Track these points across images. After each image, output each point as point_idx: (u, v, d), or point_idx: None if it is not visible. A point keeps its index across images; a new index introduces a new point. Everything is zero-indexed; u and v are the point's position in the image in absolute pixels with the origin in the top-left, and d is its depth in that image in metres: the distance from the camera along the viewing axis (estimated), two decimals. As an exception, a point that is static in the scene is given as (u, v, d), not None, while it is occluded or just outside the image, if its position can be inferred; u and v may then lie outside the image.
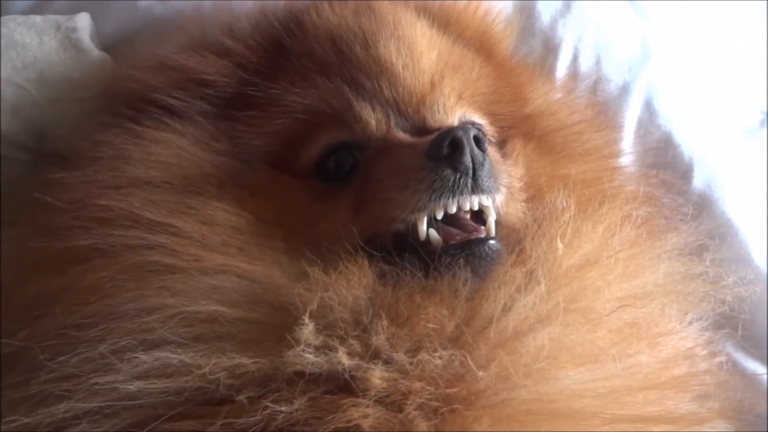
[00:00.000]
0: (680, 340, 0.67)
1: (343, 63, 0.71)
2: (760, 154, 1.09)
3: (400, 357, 0.54)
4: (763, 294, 0.92)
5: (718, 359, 0.74)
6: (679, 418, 0.61)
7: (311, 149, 0.69)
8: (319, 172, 0.68)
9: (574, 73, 0.96)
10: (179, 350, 0.54)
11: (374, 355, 0.55)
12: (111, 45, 0.83)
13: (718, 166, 0.96)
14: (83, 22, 0.80)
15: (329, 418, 0.52)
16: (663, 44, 1.04)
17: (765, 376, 0.89)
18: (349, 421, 0.52)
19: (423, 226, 0.61)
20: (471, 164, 0.61)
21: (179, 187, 0.65)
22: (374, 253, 0.60)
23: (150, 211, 0.61)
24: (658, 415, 0.58)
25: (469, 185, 0.61)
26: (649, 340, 0.64)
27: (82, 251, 0.60)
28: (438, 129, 0.67)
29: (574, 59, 0.97)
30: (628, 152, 0.95)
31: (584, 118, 0.89)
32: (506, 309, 0.56)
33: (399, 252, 0.60)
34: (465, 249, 0.60)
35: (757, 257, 0.92)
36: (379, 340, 0.56)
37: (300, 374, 0.54)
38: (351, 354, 0.55)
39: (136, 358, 0.54)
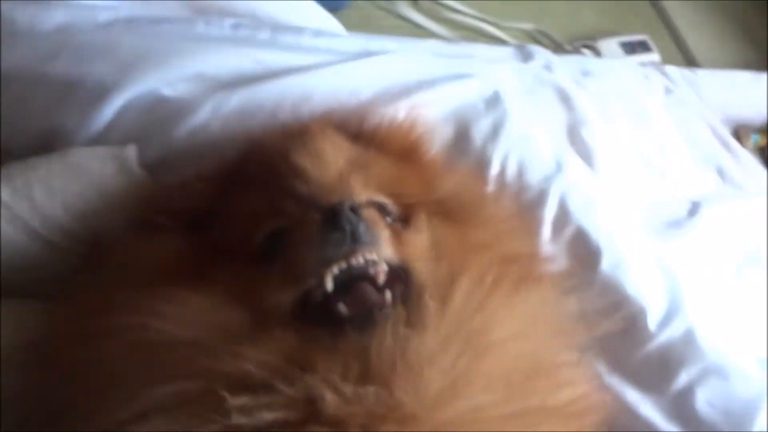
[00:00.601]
0: (568, 372, 0.82)
1: (272, 174, 0.90)
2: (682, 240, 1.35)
3: (341, 390, 0.67)
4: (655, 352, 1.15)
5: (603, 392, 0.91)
6: None
7: (256, 239, 0.87)
8: (262, 256, 0.86)
9: (501, 182, 1.22)
10: (164, 417, 0.67)
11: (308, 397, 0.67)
12: (151, 169, 1.08)
13: (623, 252, 1.18)
14: (132, 152, 1.05)
15: None
16: (574, 158, 1.32)
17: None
18: None
19: (329, 281, 0.77)
20: (347, 225, 0.78)
21: (163, 280, 0.83)
22: (303, 315, 0.78)
23: (141, 300, 0.78)
24: None
25: (349, 240, 0.78)
26: (545, 376, 0.77)
27: (96, 330, 0.78)
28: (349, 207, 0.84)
29: (501, 171, 1.22)
30: (546, 244, 1.17)
31: (483, 196, 1.11)
32: (406, 349, 0.71)
33: (322, 314, 0.78)
34: (363, 314, 0.76)
35: (651, 324, 1.11)
36: (301, 388, 0.68)
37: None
38: (274, 407, 0.66)
39: (137, 428, 0.67)
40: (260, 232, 0.88)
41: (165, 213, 0.95)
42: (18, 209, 0.97)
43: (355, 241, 0.79)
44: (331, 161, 0.92)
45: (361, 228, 0.80)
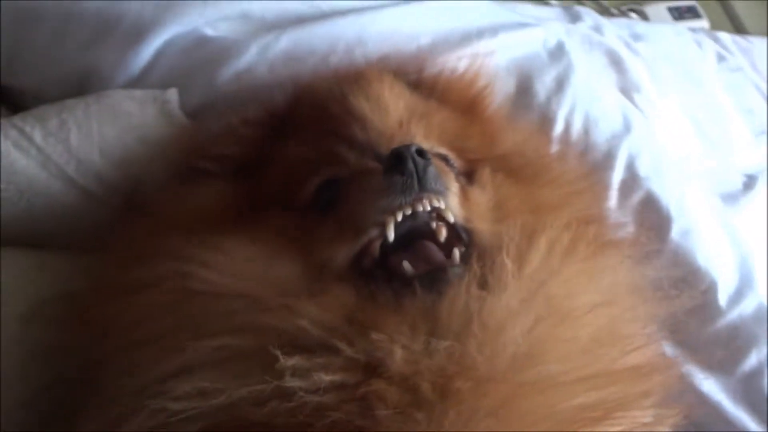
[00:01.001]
0: (645, 348, 0.75)
1: (327, 119, 0.85)
2: (740, 214, 1.24)
3: (410, 346, 0.63)
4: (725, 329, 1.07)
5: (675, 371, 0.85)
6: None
7: (307, 189, 0.82)
8: (314, 206, 0.81)
9: (566, 140, 1.12)
10: (210, 375, 0.63)
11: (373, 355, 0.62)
12: (194, 114, 1.01)
13: (693, 221, 1.10)
14: (174, 95, 0.98)
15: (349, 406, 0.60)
16: (647, 115, 1.21)
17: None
18: (371, 401, 0.60)
19: (391, 230, 0.71)
20: (414, 169, 0.71)
21: (209, 229, 0.77)
22: (360, 271, 0.72)
23: (186, 247, 0.73)
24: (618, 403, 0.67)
25: (416, 186, 0.71)
26: (618, 344, 0.73)
27: (138, 280, 0.73)
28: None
29: (566, 129, 1.13)
30: (614, 208, 1.09)
31: (549, 155, 1.03)
32: (481, 309, 0.66)
33: (382, 265, 0.72)
34: (430, 275, 0.70)
35: (722, 300, 1.04)
36: (363, 348, 0.63)
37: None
38: (332, 369, 0.61)
39: (180, 383, 0.62)
40: (312, 181, 0.82)
41: (210, 159, 0.88)
42: (52, 153, 0.89)
43: (423, 188, 0.72)
44: (391, 108, 0.85)
45: (430, 173, 0.73)
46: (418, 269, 0.71)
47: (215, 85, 1.03)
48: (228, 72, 1.03)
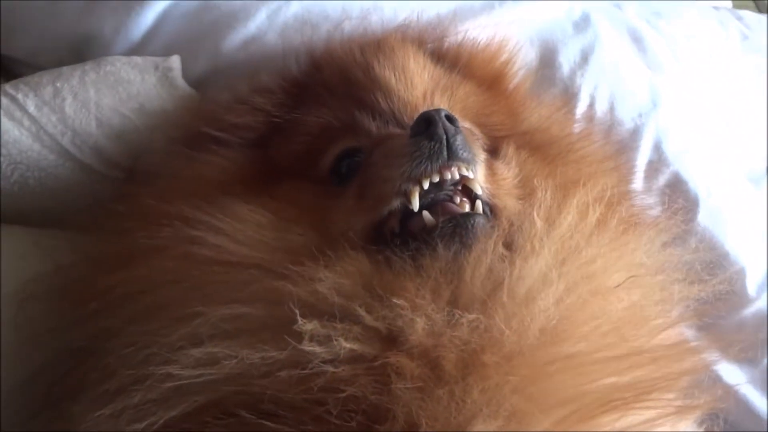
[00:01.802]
0: (673, 330, 0.71)
1: (348, 86, 0.81)
2: (763, 197, 1.19)
3: (432, 316, 0.58)
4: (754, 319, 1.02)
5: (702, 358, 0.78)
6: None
7: (326, 158, 0.78)
8: (333, 177, 0.77)
9: (590, 117, 1.04)
10: (221, 343, 0.59)
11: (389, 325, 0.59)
12: (198, 83, 0.94)
13: (722, 204, 1.03)
14: (176, 63, 0.91)
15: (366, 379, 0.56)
16: (671, 93, 1.12)
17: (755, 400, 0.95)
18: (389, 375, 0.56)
19: (415, 199, 0.66)
20: (444, 134, 0.66)
21: (218, 196, 0.73)
22: (378, 239, 0.67)
23: (195, 212, 0.69)
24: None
25: (445, 153, 0.66)
26: (647, 324, 0.68)
27: (141, 248, 0.68)
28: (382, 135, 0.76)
29: (591, 105, 1.05)
30: (642, 188, 1.02)
31: (574, 132, 0.96)
32: (512, 272, 0.61)
33: (402, 234, 0.67)
34: (453, 221, 0.65)
35: (750, 287, 0.98)
36: (381, 315, 0.59)
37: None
38: (351, 337, 0.58)
39: (188, 351, 0.59)
40: (332, 150, 0.77)
41: (224, 127, 0.82)
42: (46, 123, 0.82)
43: (452, 155, 0.67)
44: (416, 79, 0.80)
45: (459, 140, 0.68)
46: (438, 220, 0.65)
47: (221, 53, 0.96)
48: (235, 38, 0.95)
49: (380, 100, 0.78)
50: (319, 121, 0.80)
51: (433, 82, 0.81)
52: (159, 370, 0.58)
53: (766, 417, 0.95)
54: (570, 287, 0.62)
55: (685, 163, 1.06)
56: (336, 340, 0.57)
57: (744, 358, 0.97)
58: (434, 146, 0.66)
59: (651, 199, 1.02)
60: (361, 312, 0.59)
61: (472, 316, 0.58)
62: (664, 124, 1.08)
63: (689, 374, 0.69)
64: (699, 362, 0.73)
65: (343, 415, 0.54)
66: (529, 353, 0.58)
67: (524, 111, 0.90)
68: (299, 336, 0.57)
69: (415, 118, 0.69)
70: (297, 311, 0.58)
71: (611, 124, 1.06)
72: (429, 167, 0.66)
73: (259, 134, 0.83)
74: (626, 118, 1.07)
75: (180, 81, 0.90)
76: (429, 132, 0.66)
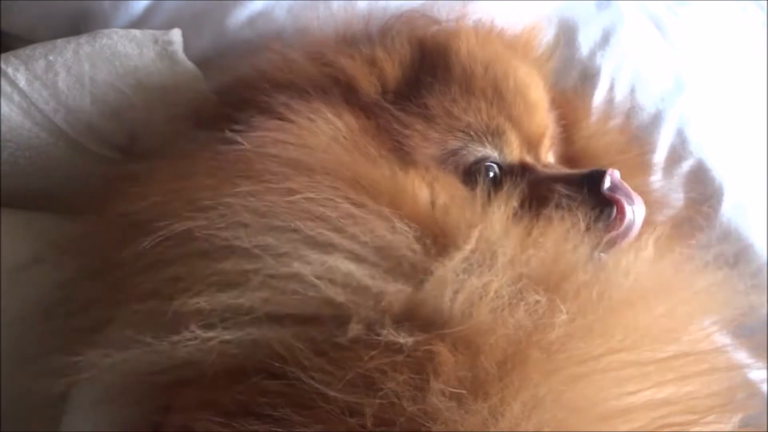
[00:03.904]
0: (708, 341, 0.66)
1: (497, 92, 0.77)
2: None
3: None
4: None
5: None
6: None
7: (465, 158, 0.74)
8: (465, 175, 0.73)
9: (609, 101, 0.97)
10: (352, 263, 0.55)
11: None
12: (199, 62, 0.86)
13: (747, 194, 0.96)
14: (177, 36, 0.83)
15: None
16: (696, 77, 1.03)
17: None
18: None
19: None
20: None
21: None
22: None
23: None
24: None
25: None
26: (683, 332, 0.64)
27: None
28: (544, 166, 0.77)
29: (611, 88, 0.97)
30: (661, 175, 0.96)
31: (610, 144, 0.91)
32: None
33: None
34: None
35: None
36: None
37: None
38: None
39: (325, 256, 0.54)
40: (471, 153, 0.74)
41: (341, 82, 0.74)
42: (38, 99, 0.75)
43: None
44: (541, 102, 0.80)
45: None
46: None
47: (226, 30, 0.88)
48: (241, 14, 0.88)
49: (524, 122, 0.76)
50: (466, 119, 0.75)
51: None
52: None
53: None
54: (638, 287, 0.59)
55: (709, 151, 0.98)
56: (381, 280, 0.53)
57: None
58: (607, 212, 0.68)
59: (673, 188, 0.96)
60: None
61: (536, 297, 0.54)
62: (689, 110, 0.99)
63: (726, 392, 0.62)
64: (737, 379, 0.68)
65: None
66: (574, 347, 0.52)
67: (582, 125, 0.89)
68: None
69: (594, 173, 0.71)
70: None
71: (631, 108, 0.98)
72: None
73: (370, 100, 0.75)
74: (648, 102, 0.98)
75: (181, 55, 0.82)
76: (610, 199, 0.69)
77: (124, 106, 0.80)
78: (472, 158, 0.74)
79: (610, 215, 0.68)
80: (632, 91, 0.99)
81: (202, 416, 0.52)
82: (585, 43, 1.00)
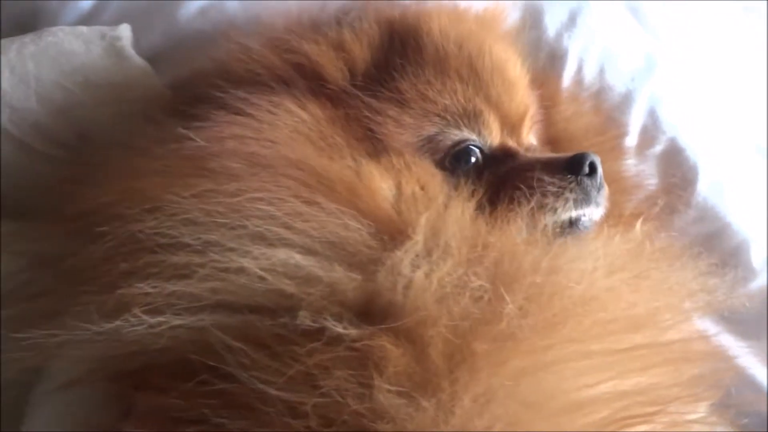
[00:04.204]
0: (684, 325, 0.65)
1: (473, 71, 0.75)
2: None
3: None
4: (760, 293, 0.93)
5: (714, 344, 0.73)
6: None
7: (442, 143, 0.72)
8: (442, 161, 0.71)
9: (578, 82, 0.95)
10: (301, 255, 0.54)
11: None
12: (151, 56, 0.84)
13: (723, 172, 0.94)
14: (126, 32, 0.81)
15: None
16: (668, 58, 1.01)
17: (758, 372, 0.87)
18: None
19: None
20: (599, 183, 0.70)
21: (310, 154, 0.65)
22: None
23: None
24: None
25: (592, 200, 0.70)
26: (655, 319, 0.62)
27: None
28: (526, 148, 0.76)
29: (579, 69, 0.95)
30: (635, 156, 0.93)
31: (588, 126, 0.90)
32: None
33: None
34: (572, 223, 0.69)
35: (755, 259, 0.89)
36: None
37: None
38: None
39: (267, 251, 0.54)
40: (448, 137, 0.72)
41: (302, 71, 0.72)
42: (-20, 100, 0.74)
43: (591, 201, 0.72)
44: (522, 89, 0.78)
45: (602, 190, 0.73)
46: None
47: (178, 22, 0.85)
48: (192, 5, 0.85)
49: (505, 102, 0.75)
50: (443, 102, 0.73)
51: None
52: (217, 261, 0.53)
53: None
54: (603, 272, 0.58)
55: (682, 130, 0.95)
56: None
57: (749, 334, 0.88)
58: (596, 192, 0.71)
59: (646, 167, 0.94)
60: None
61: (479, 283, 0.52)
62: (660, 89, 0.96)
63: (709, 379, 0.61)
64: (720, 364, 0.68)
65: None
66: (523, 338, 0.50)
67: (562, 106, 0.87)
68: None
69: (577, 157, 0.71)
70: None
71: (600, 89, 0.95)
72: (585, 208, 0.70)
73: (338, 87, 0.72)
74: (617, 82, 0.95)
75: (129, 51, 0.79)
76: (593, 178, 0.70)
77: (71, 104, 0.77)
78: (449, 142, 0.72)
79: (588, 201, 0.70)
80: (601, 72, 0.97)
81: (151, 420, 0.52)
82: (551, 24, 0.97)
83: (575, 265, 0.57)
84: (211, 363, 0.50)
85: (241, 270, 0.53)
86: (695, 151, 0.95)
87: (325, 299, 0.52)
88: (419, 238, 0.55)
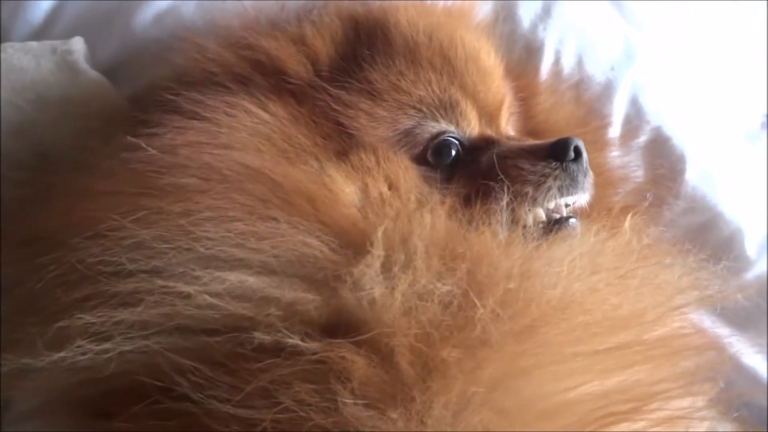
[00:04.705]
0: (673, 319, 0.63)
1: (446, 60, 0.72)
2: (761, 153, 1.06)
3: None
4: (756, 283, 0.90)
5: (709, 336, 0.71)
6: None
7: (420, 136, 0.69)
8: (422, 156, 0.69)
9: (556, 74, 0.92)
10: (256, 276, 0.52)
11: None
12: (109, 68, 0.81)
13: (712, 160, 0.91)
14: (78, 44, 0.77)
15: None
16: (649, 45, 0.98)
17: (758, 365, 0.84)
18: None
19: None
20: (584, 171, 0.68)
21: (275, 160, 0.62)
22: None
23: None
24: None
25: (578, 185, 0.68)
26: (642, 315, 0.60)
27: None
28: (507, 138, 0.73)
29: (557, 61, 0.92)
30: (619, 147, 0.91)
31: (570, 117, 0.88)
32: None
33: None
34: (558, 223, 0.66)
35: (750, 248, 0.87)
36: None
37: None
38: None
39: (220, 274, 0.51)
40: (425, 130, 0.70)
41: (262, 69, 0.69)
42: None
43: (578, 186, 0.70)
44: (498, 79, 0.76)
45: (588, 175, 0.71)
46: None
47: (133, 31, 0.82)
48: (147, 12, 0.82)
49: (481, 91, 0.72)
50: (417, 93, 0.70)
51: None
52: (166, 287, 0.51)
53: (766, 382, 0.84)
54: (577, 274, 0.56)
55: (667, 119, 0.92)
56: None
57: (746, 325, 0.85)
58: (583, 177, 0.68)
59: (632, 159, 0.91)
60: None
61: (446, 288, 0.50)
62: (642, 77, 0.93)
63: (701, 372, 0.59)
64: (714, 356, 0.65)
65: None
66: (497, 344, 0.48)
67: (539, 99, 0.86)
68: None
69: (560, 143, 0.69)
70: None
71: (580, 79, 0.92)
72: (573, 195, 0.68)
73: (302, 81, 0.69)
74: (597, 72, 0.92)
75: (82, 65, 0.75)
76: (578, 163, 0.68)
77: (26, 123, 0.74)
78: (427, 135, 0.69)
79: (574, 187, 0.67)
80: (580, 62, 0.94)
81: None
82: (525, 16, 0.94)
83: (551, 269, 0.53)
84: (162, 384, 0.47)
85: (190, 296, 0.50)
86: (682, 139, 0.92)
87: (286, 320, 0.49)
88: (379, 252, 0.52)
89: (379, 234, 0.52)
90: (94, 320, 0.49)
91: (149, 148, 0.59)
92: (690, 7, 1.18)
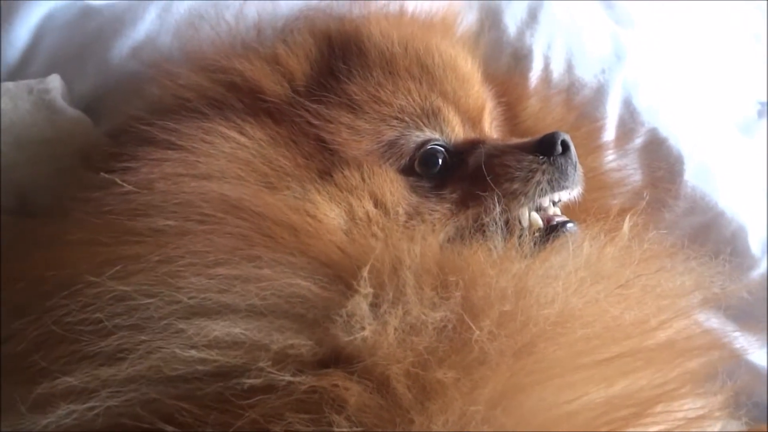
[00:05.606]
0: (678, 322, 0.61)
1: (424, 68, 0.71)
2: (759, 145, 1.02)
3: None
4: (762, 280, 0.89)
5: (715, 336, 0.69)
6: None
7: (405, 147, 0.68)
8: (409, 166, 0.67)
9: (545, 79, 0.90)
10: (244, 322, 0.50)
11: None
12: (88, 104, 0.79)
13: (710, 158, 0.89)
14: (55, 82, 0.75)
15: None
16: (638, 43, 0.96)
17: (765, 364, 0.83)
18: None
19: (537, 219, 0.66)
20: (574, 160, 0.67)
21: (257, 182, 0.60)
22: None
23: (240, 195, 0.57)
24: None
25: (569, 179, 0.67)
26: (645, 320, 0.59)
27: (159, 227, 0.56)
28: (493, 139, 0.72)
29: (546, 67, 0.90)
30: (615, 150, 0.89)
31: (559, 121, 0.86)
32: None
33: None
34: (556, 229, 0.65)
35: (754, 246, 0.85)
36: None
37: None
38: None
39: (206, 324, 0.49)
40: (410, 139, 0.68)
41: (236, 91, 0.67)
42: None
43: (569, 180, 0.70)
44: (477, 85, 0.75)
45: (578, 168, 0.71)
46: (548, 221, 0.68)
47: (110, 64, 0.79)
48: (124, 45, 0.79)
49: (462, 98, 0.71)
50: (398, 104, 0.69)
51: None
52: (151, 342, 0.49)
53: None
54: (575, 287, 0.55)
55: (662, 119, 0.90)
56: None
57: (752, 324, 0.83)
58: (573, 170, 0.68)
59: (629, 162, 0.89)
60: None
61: (440, 314, 0.49)
62: (633, 78, 0.91)
63: (705, 372, 0.58)
64: (718, 355, 0.62)
65: None
66: (496, 363, 0.47)
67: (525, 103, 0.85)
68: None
69: (547, 137, 0.68)
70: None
71: (570, 84, 0.90)
72: (563, 190, 0.68)
73: (279, 100, 0.67)
74: (588, 76, 0.90)
75: (60, 103, 0.73)
76: (566, 157, 0.68)
77: (5, 165, 0.72)
78: (412, 145, 0.68)
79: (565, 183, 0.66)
80: (569, 67, 0.92)
81: None
82: (511, 23, 0.92)
83: (547, 285, 0.52)
84: (148, 426, 0.46)
85: (174, 353, 0.48)
86: (678, 140, 0.90)
87: (278, 363, 0.47)
88: (367, 291, 0.50)
89: (365, 273, 0.50)
90: (76, 383, 0.47)
91: (124, 184, 0.57)
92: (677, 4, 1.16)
